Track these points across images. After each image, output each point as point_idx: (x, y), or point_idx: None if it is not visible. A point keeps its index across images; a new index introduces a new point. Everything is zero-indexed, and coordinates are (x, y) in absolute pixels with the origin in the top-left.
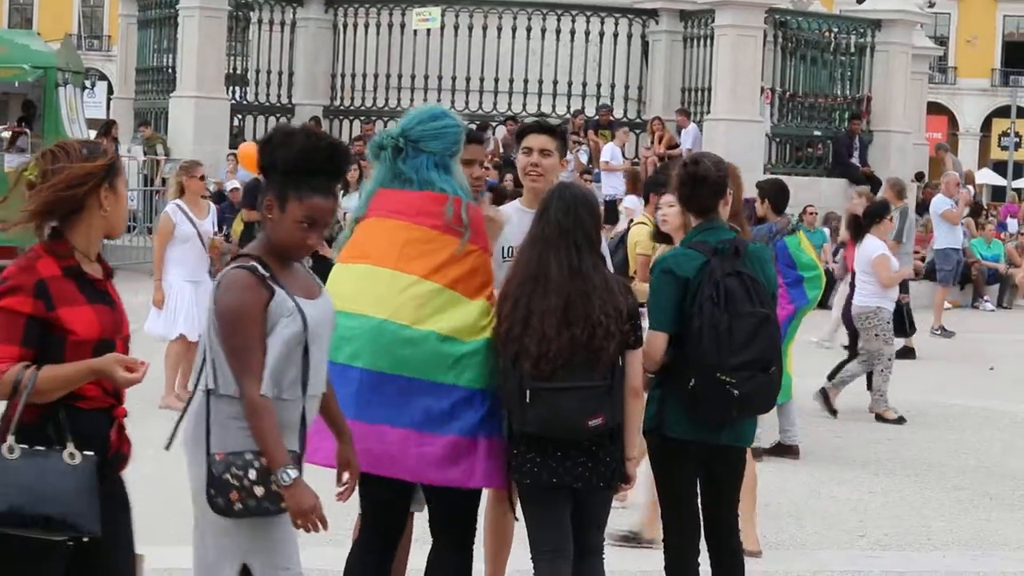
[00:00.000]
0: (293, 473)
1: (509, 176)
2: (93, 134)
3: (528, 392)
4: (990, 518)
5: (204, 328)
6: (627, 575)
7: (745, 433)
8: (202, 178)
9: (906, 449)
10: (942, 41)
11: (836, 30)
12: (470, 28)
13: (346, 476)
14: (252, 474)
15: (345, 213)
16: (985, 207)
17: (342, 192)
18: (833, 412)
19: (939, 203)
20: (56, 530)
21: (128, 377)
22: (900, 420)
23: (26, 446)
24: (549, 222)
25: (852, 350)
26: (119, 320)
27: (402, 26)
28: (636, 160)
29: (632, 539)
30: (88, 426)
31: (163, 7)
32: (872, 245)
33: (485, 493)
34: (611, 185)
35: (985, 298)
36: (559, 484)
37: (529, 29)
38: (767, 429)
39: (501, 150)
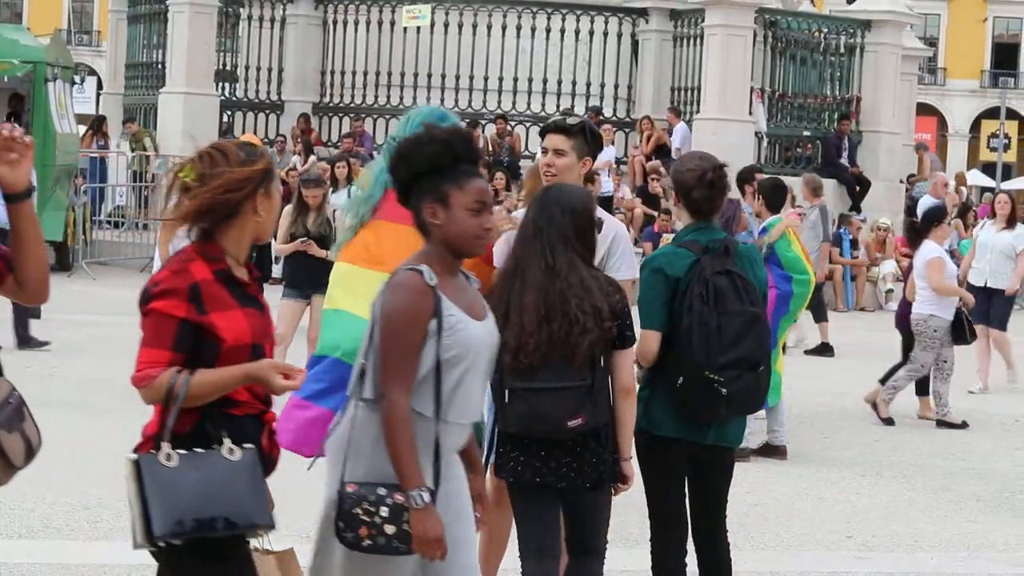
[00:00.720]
0: (426, 497)
1: (499, 175)
2: (83, 129)
3: (507, 392)
4: (977, 520)
5: (364, 334)
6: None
7: (733, 433)
8: None
9: (894, 450)
10: (932, 42)
11: (826, 30)
12: (460, 26)
13: (479, 509)
14: (384, 511)
15: (335, 210)
16: (973, 208)
17: (331, 189)
18: (886, 421)
19: (926, 204)
20: (236, 528)
21: (285, 384)
22: (964, 425)
23: (184, 451)
24: (527, 221)
25: (904, 356)
26: (268, 324)
27: (392, 23)
28: (624, 159)
29: None
30: (241, 432)
31: (153, 3)
32: (928, 249)
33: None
34: (607, 183)
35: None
36: (542, 483)
37: (519, 27)
38: (755, 431)
39: (490, 149)
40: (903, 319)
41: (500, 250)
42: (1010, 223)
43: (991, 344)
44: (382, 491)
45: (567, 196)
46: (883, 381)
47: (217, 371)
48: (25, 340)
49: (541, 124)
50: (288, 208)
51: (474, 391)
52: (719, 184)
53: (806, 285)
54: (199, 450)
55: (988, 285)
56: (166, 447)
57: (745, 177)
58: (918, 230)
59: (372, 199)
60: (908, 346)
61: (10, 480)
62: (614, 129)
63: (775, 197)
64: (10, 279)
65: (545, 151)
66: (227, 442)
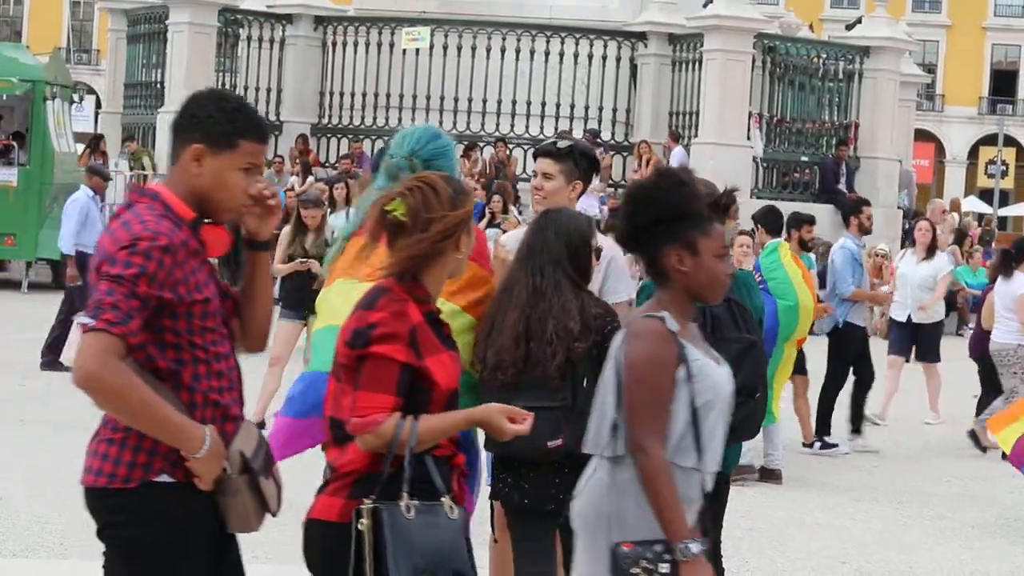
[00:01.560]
0: (695, 547)
1: (497, 198)
2: (80, 148)
3: None
4: (973, 547)
5: (603, 387)
6: None
7: (729, 459)
8: None
9: (889, 476)
10: (930, 69)
11: (824, 56)
12: (459, 48)
13: None
14: (664, 567)
15: (333, 231)
16: (970, 235)
17: (329, 210)
18: (983, 449)
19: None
20: None
21: (513, 428)
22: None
23: (417, 503)
24: (523, 243)
25: (984, 385)
26: (460, 366)
27: (391, 45)
28: (623, 183)
29: None
30: (441, 476)
31: (152, 22)
32: (1021, 281)
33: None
34: (589, 205)
35: (969, 325)
36: (531, 507)
37: (518, 50)
38: (752, 447)
39: (488, 171)
40: (978, 346)
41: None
42: (930, 252)
43: (925, 376)
44: (659, 547)
45: (564, 220)
46: (978, 413)
47: (441, 416)
48: (52, 364)
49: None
50: (286, 229)
51: (721, 437)
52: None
53: (789, 312)
54: (427, 503)
55: (912, 320)
56: (406, 498)
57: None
58: (1011, 261)
59: (361, 212)
60: (986, 372)
61: (261, 526)
62: (612, 153)
63: (772, 221)
64: (235, 323)
65: (535, 174)
66: (446, 499)
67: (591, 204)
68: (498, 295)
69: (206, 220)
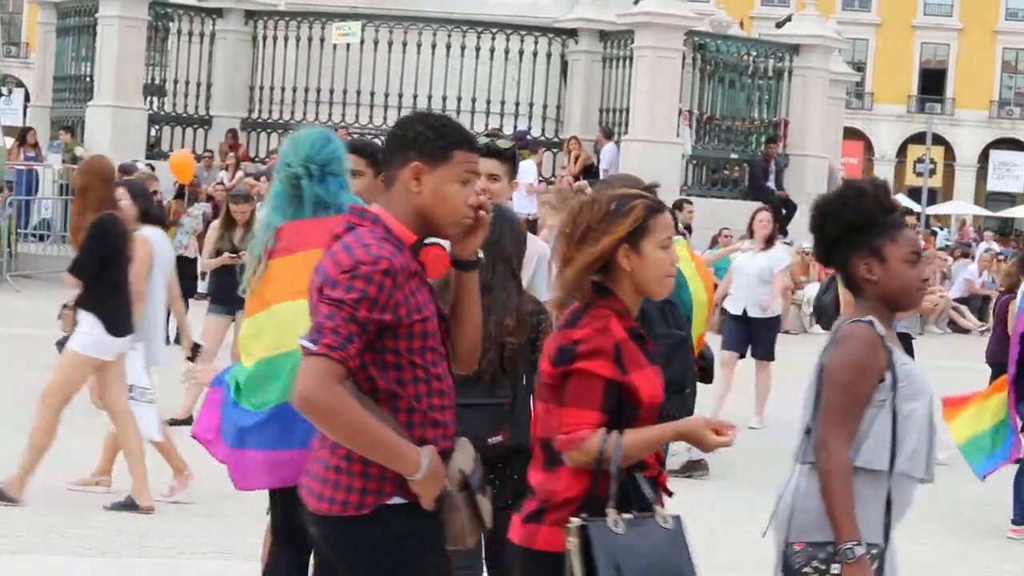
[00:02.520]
0: (858, 551)
1: None
2: (10, 141)
3: None
4: (907, 536)
5: (808, 394)
6: None
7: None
8: (155, 192)
9: None
10: (859, 67)
11: (754, 54)
12: (390, 44)
13: None
14: (835, 568)
15: None
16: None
17: (258, 204)
18: None
19: None
20: None
21: (719, 440)
22: None
23: (628, 516)
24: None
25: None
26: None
27: (322, 40)
28: (552, 179)
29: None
30: (644, 491)
31: (82, 15)
32: None
33: None
34: (531, 203)
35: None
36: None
37: (449, 46)
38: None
39: None
40: (998, 352)
41: None
42: (768, 244)
43: (756, 374)
44: (831, 548)
45: (512, 218)
46: None
47: (646, 430)
48: None
49: None
50: (215, 224)
51: (925, 442)
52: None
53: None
54: (631, 515)
55: (748, 314)
56: (613, 512)
57: None
58: None
59: (272, 226)
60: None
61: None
62: (542, 149)
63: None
64: (448, 344)
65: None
66: (660, 509)
67: (530, 202)
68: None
69: (427, 241)
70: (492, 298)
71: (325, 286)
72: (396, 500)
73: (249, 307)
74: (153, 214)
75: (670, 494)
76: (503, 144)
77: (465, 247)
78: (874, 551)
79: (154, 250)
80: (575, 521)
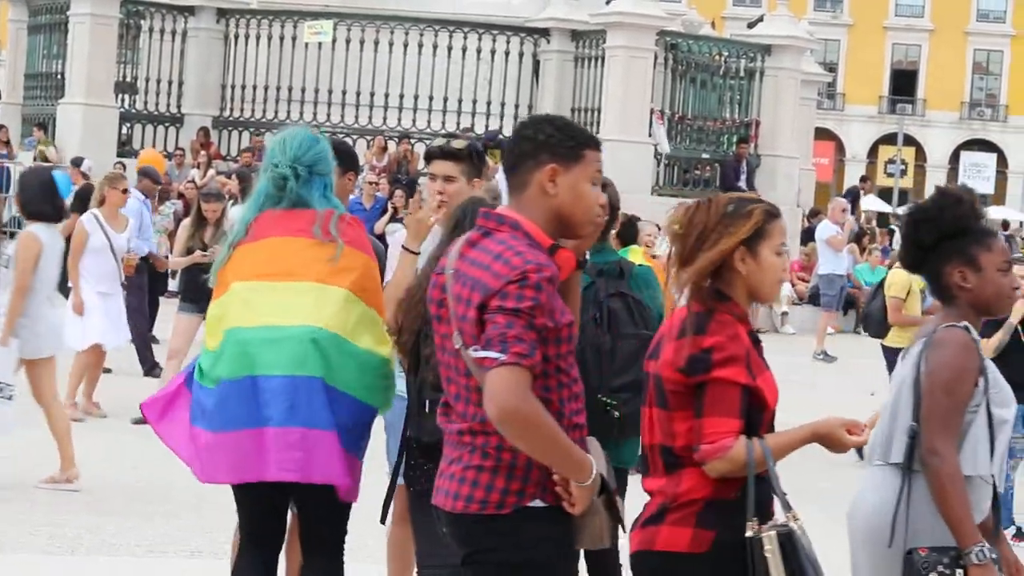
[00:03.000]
0: (988, 553)
1: (399, 193)
2: None
3: (428, 402)
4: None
5: (893, 395)
6: None
7: (627, 454)
8: (124, 191)
9: (794, 475)
10: (831, 68)
11: (726, 54)
12: (362, 43)
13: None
14: (960, 572)
15: (232, 225)
16: (869, 233)
17: (231, 203)
18: None
19: (824, 229)
20: None
21: (855, 440)
22: None
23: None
24: (461, 233)
25: None
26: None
27: (294, 39)
28: None
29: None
30: (765, 495)
31: (54, 13)
32: None
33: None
34: None
35: None
36: None
37: (421, 45)
38: None
39: (391, 166)
40: None
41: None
42: None
43: None
44: (953, 553)
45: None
46: None
47: (785, 434)
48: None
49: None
50: (186, 222)
51: (1006, 445)
52: (616, 206)
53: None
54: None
55: None
56: (754, 522)
57: None
58: None
59: (245, 221)
60: None
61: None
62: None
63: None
64: None
65: (434, 178)
66: (790, 515)
67: None
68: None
69: (559, 244)
70: None
71: (493, 298)
72: (537, 503)
73: (215, 295)
74: (46, 212)
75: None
76: (458, 145)
77: (581, 247)
78: (994, 555)
79: (44, 247)
80: (764, 530)
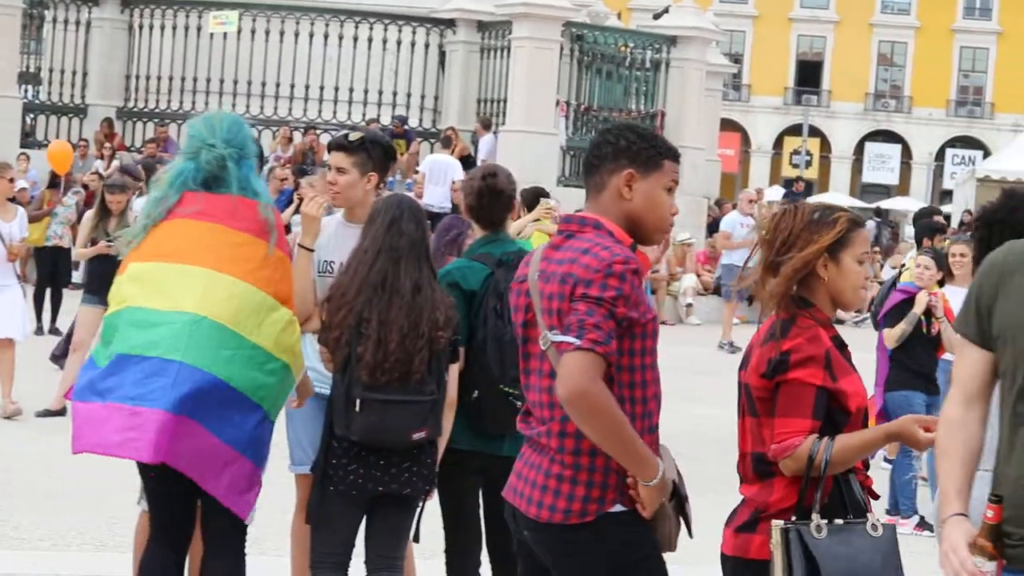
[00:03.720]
0: None
1: (304, 183)
2: None
3: (359, 401)
4: None
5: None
6: None
7: None
8: (11, 180)
9: (693, 464)
10: (737, 59)
11: (632, 45)
12: (267, 33)
13: None
14: None
15: (136, 216)
16: None
17: (136, 195)
18: None
19: (732, 220)
20: None
21: (930, 437)
22: None
23: (835, 522)
24: (400, 234)
25: None
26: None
27: (199, 29)
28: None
29: None
30: (859, 496)
31: None
32: None
33: (291, 502)
34: (445, 198)
35: None
36: (385, 492)
37: (326, 36)
38: None
39: (296, 157)
40: None
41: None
42: None
43: None
44: None
45: (423, 214)
46: None
47: (856, 435)
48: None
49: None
50: (90, 213)
51: None
52: (490, 193)
53: None
54: (839, 521)
55: None
56: (816, 518)
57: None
58: None
59: (167, 200)
60: None
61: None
62: (420, 140)
63: (535, 205)
64: None
65: (329, 168)
66: (871, 516)
67: (445, 197)
68: (364, 288)
69: (636, 245)
70: (423, 296)
71: (579, 286)
72: (618, 507)
73: (118, 272)
74: None
75: (876, 497)
76: (352, 137)
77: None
78: None
79: None
80: (777, 524)
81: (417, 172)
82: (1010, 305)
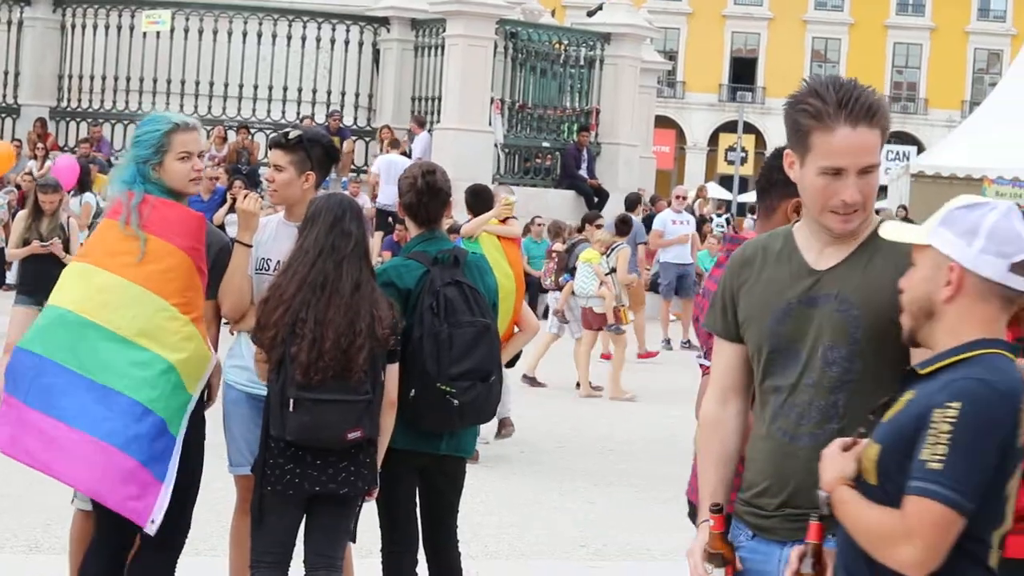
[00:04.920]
0: None
1: (239, 184)
2: None
3: (292, 400)
4: None
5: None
6: None
7: (465, 442)
8: None
9: (629, 460)
10: (671, 56)
11: (566, 42)
12: (200, 32)
13: None
14: None
15: (68, 216)
16: (708, 220)
17: (69, 194)
18: None
19: (661, 219)
20: None
21: None
22: None
23: None
24: (343, 234)
25: None
26: None
27: (132, 28)
28: (365, 167)
29: None
30: None
31: None
32: None
33: (227, 504)
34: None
35: None
36: (322, 492)
37: (260, 34)
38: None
39: (230, 156)
40: None
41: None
42: None
43: None
44: None
45: (361, 213)
46: None
47: None
48: None
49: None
50: (22, 213)
51: None
52: (429, 190)
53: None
54: None
55: None
56: None
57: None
58: None
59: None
60: None
61: None
62: (354, 138)
63: (477, 203)
64: None
65: (268, 166)
66: None
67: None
68: (302, 288)
69: None
70: (361, 294)
71: None
72: None
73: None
74: None
75: None
76: (291, 135)
77: None
78: None
79: None
80: None
81: (364, 172)
82: (751, 292)
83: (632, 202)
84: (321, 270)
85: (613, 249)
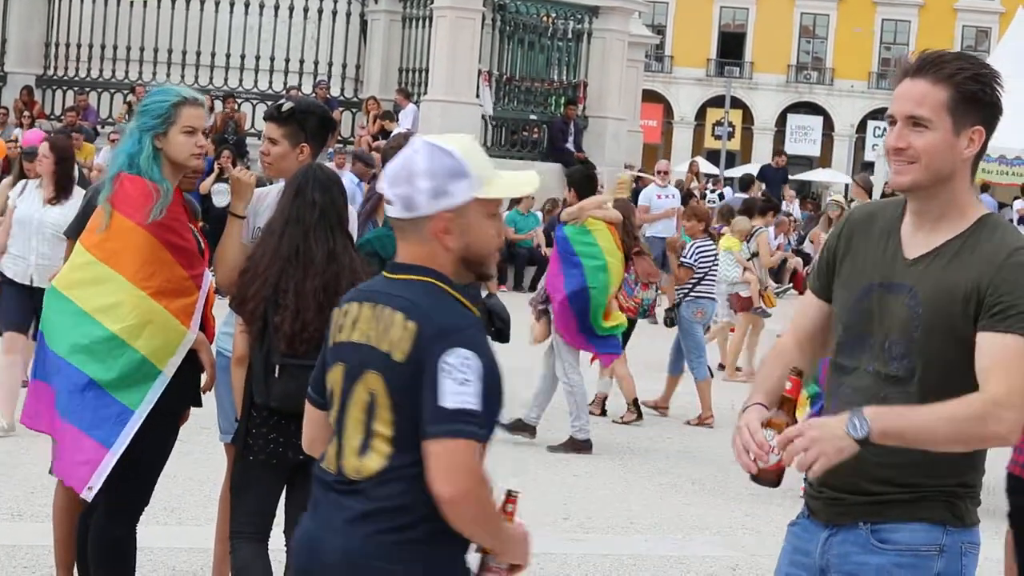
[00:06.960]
0: None
1: (226, 153)
2: None
3: (277, 367)
4: (692, 503)
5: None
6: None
7: None
8: None
9: (611, 433)
10: (659, 30)
11: (554, 15)
12: (188, 1)
13: None
14: None
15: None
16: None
17: None
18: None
19: (647, 193)
20: None
21: None
22: None
23: None
24: (307, 203)
25: None
26: None
27: None
28: (351, 138)
29: None
30: None
31: None
32: None
33: (209, 474)
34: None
35: None
36: (306, 460)
37: (247, 3)
38: None
39: (217, 126)
40: None
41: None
42: (62, 193)
43: None
44: None
45: (338, 179)
46: None
47: None
48: None
49: (268, 102)
50: (7, 180)
51: None
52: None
53: (599, 271)
54: None
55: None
56: None
57: None
58: None
59: (110, 178)
60: None
61: None
62: (341, 109)
63: (585, 186)
64: None
65: (263, 138)
66: None
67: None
68: (277, 259)
69: None
70: (339, 264)
71: None
72: None
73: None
74: None
75: None
76: (284, 107)
77: None
78: None
79: None
80: None
81: (350, 144)
82: (851, 262)
83: (747, 183)
84: (290, 242)
85: (754, 234)
